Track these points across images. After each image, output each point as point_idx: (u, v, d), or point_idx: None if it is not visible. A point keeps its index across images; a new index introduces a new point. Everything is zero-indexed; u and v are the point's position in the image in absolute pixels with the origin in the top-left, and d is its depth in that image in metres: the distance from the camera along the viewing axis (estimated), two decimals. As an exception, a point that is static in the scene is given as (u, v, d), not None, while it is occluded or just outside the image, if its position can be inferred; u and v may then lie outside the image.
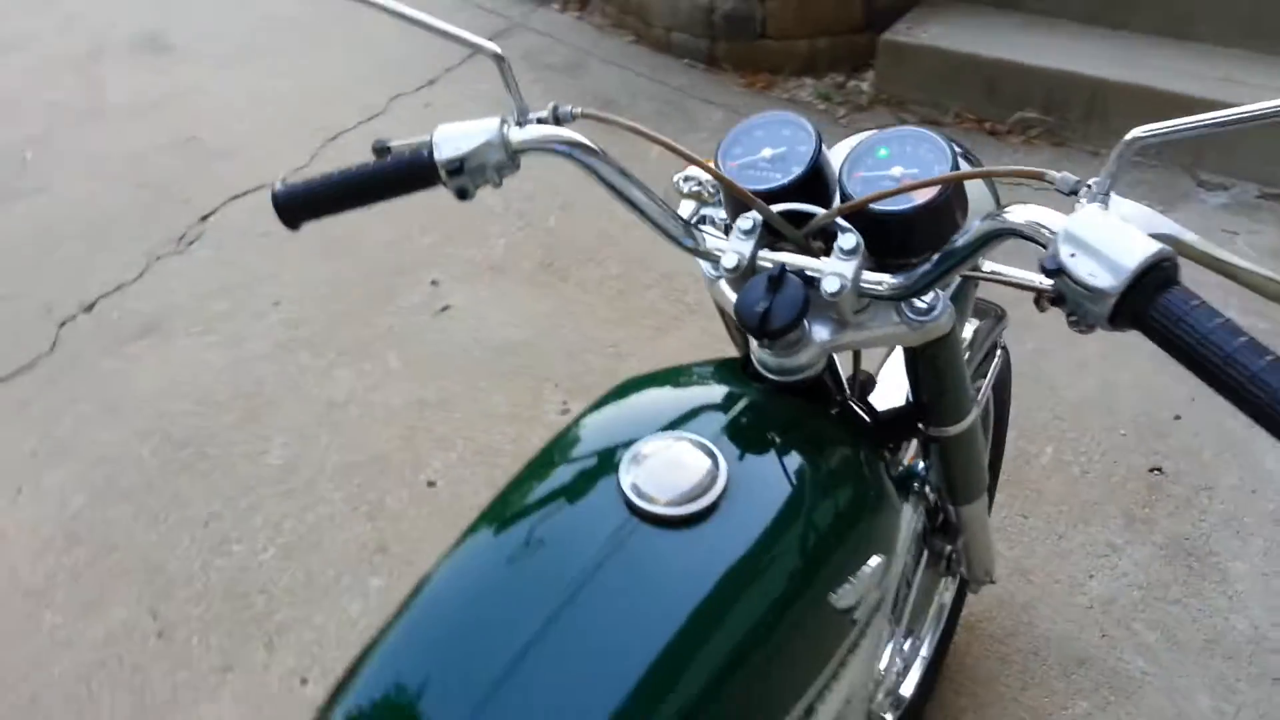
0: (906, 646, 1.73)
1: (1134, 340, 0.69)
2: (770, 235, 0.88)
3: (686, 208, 0.95)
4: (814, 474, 0.85)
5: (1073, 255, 0.67)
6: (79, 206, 3.01)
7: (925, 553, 1.39)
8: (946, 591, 1.72)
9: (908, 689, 1.68)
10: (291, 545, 2.02)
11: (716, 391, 0.90)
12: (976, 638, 1.86)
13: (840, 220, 0.84)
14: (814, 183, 0.87)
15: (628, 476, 0.79)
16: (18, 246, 2.86)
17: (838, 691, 0.88)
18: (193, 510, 2.13)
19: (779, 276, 0.82)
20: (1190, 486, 2.06)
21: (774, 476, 0.83)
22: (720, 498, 0.79)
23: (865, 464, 0.91)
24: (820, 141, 0.89)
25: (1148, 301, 0.63)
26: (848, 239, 0.82)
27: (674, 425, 0.84)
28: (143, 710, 1.78)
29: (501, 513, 0.82)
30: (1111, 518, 2.02)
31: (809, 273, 0.84)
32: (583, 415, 0.88)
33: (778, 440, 0.86)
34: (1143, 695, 1.75)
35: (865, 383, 1.10)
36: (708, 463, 0.80)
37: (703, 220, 0.94)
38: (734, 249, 0.86)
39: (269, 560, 2.00)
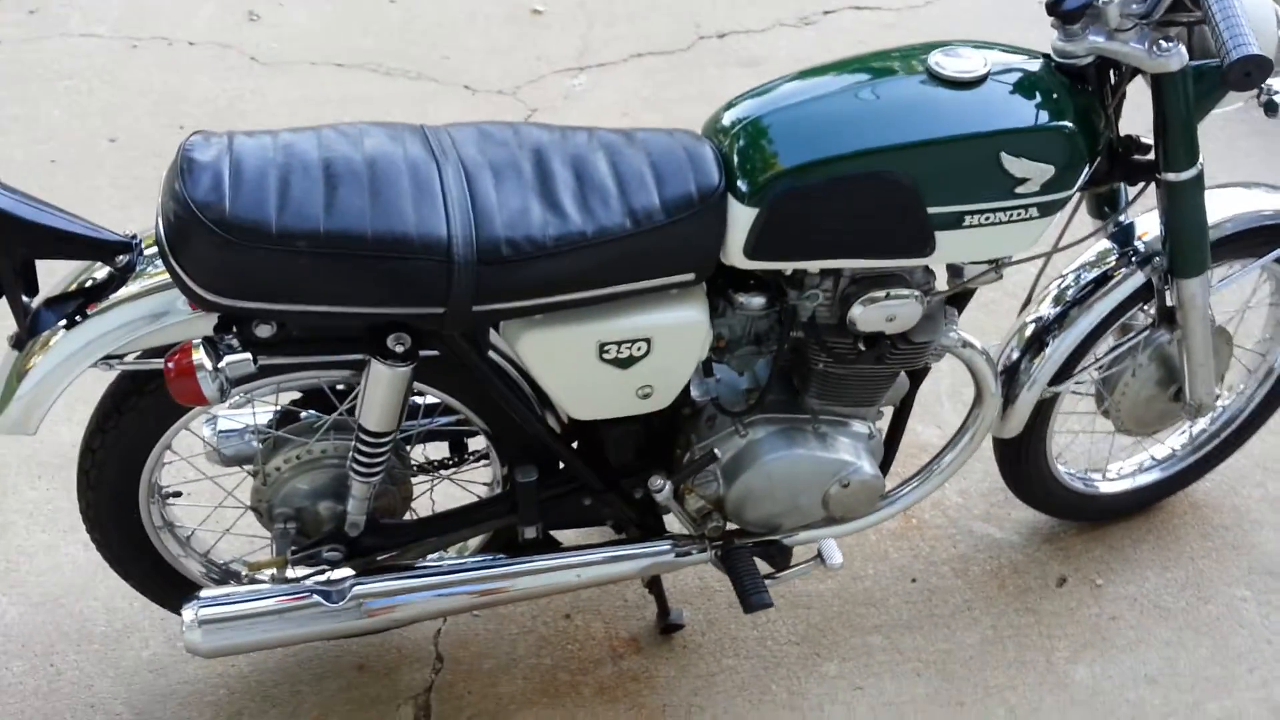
0: (1125, 464, 2.13)
1: None
2: None
3: None
4: (1039, 99, 1.40)
5: None
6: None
7: (1144, 340, 1.80)
8: (1182, 433, 2.09)
9: (1103, 483, 2.10)
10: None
11: (1015, 54, 1.47)
12: (1194, 511, 2.18)
13: None
14: None
15: (933, 58, 1.43)
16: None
17: (980, 242, 1.44)
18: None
19: None
20: None
21: (1015, 88, 1.41)
22: (977, 81, 1.40)
23: (1079, 117, 1.41)
24: None
25: None
26: None
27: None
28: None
29: (858, 57, 1.50)
30: (1393, 518, 2.17)
31: None
32: (926, 44, 1.51)
33: (1030, 78, 1.42)
34: (1304, 618, 2.00)
35: (1131, 141, 1.57)
36: (981, 65, 1.41)
37: None
38: None
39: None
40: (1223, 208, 1.74)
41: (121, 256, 1.38)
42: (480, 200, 1.32)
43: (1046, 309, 1.80)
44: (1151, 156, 1.56)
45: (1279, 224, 1.78)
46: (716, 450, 1.59)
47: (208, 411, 1.58)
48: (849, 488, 1.64)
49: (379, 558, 1.64)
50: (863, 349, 1.54)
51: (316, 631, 1.57)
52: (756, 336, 1.59)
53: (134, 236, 1.42)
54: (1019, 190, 1.41)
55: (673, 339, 1.46)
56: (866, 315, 1.49)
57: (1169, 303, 1.75)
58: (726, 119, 1.46)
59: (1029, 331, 1.81)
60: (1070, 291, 1.79)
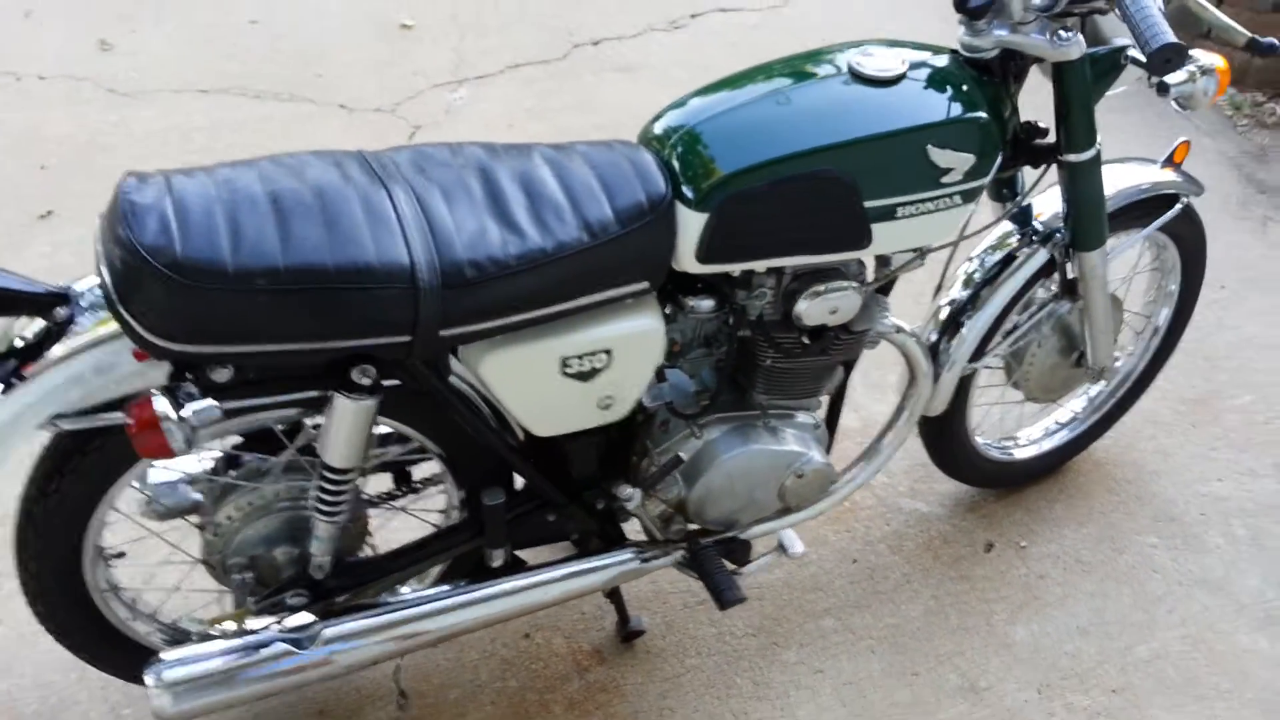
0: (1034, 430, 2.26)
1: None
2: None
3: None
4: (955, 92, 1.48)
5: None
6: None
7: (1047, 313, 1.92)
8: (1082, 396, 2.23)
9: (1017, 450, 2.22)
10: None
11: (925, 50, 1.55)
12: (1099, 468, 2.34)
13: None
14: None
15: (852, 58, 1.49)
16: (567, -6, 3.95)
17: (911, 232, 1.51)
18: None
19: None
20: (1354, 467, 2.35)
21: (933, 83, 1.48)
22: (898, 79, 1.46)
23: (990, 107, 1.49)
24: None
25: None
26: None
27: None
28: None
29: (779, 61, 1.54)
30: (1265, 457, 2.37)
31: None
32: (839, 45, 1.57)
33: (944, 73, 1.50)
34: (1206, 557, 2.16)
35: (1031, 127, 1.67)
36: (898, 63, 1.47)
37: None
38: None
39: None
40: (1105, 185, 1.87)
41: (60, 309, 1.30)
42: (436, 223, 1.30)
43: (958, 292, 1.89)
44: (1051, 140, 1.66)
45: (1155, 195, 1.92)
46: (680, 453, 1.61)
47: (153, 464, 1.50)
48: (804, 478, 1.69)
49: (342, 598, 1.60)
50: (807, 342, 1.59)
51: (289, 682, 1.51)
52: (705, 339, 1.62)
53: (68, 287, 1.34)
54: (944, 180, 1.49)
55: (632, 348, 1.47)
56: (811, 309, 1.54)
57: (1070, 275, 1.87)
58: (663, 127, 1.48)
59: (944, 314, 1.89)
60: (978, 274, 1.89)
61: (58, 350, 1.30)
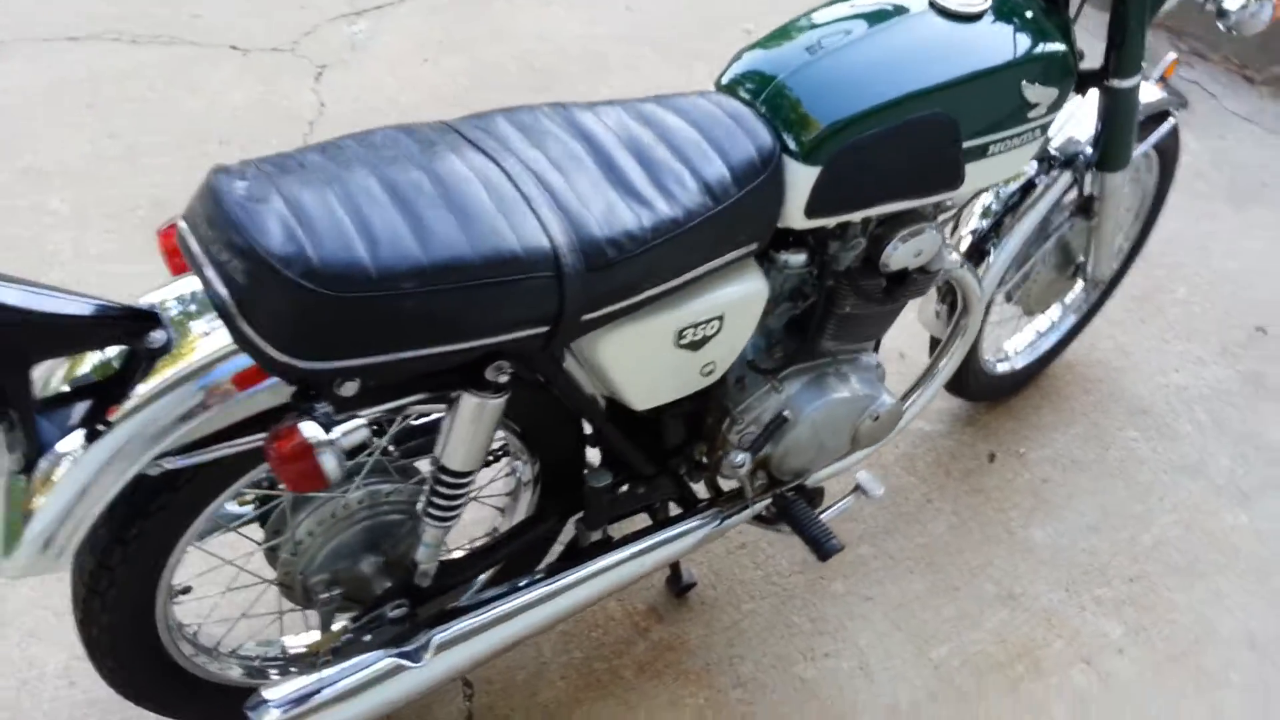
0: (1018, 341, 2.35)
1: None
2: None
3: None
4: (1035, 25, 1.48)
5: None
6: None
7: (1059, 236, 1.98)
8: (1068, 299, 2.33)
9: (1011, 360, 2.31)
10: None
11: None
12: (1071, 371, 2.46)
13: None
14: None
15: None
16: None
17: (997, 168, 1.51)
18: (540, 113, 2.91)
19: None
20: (1283, 346, 2.57)
21: (1012, 17, 1.47)
22: (979, 15, 1.44)
23: (1064, 38, 1.51)
24: None
25: None
26: None
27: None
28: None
29: (844, 3, 1.49)
30: (1209, 345, 2.56)
31: None
32: None
33: (1017, 4, 1.49)
34: (1179, 443, 2.32)
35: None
36: (981, 2, 1.45)
37: None
38: None
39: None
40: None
41: (157, 334, 1.13)
42: (563, 200, 1.20)
43: (978, 223, 1.92)
44: (1093, 66, 1.68)
45: (1147, 116, 1.99)
46: (785, 413, 1.58)
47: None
48: (878, 420, 1.70)
49: (437, 600, 1.50)
50: (885, 285, 1.58)
51: (403, 697, 1.42)
52: (790, 292, 1.58)
53: (153, 305, 1.16)
54: (1030, 114, 1.49)
55: (741, 311, 1.42)
56: (899, 254, 1.52)
57: (1088, 193, 1.93)
58: (748, 75, 1.41)
59: (965, 244, 1.92)
60: (994, 204, 1.91)
61: (144, 387, 1.13)
